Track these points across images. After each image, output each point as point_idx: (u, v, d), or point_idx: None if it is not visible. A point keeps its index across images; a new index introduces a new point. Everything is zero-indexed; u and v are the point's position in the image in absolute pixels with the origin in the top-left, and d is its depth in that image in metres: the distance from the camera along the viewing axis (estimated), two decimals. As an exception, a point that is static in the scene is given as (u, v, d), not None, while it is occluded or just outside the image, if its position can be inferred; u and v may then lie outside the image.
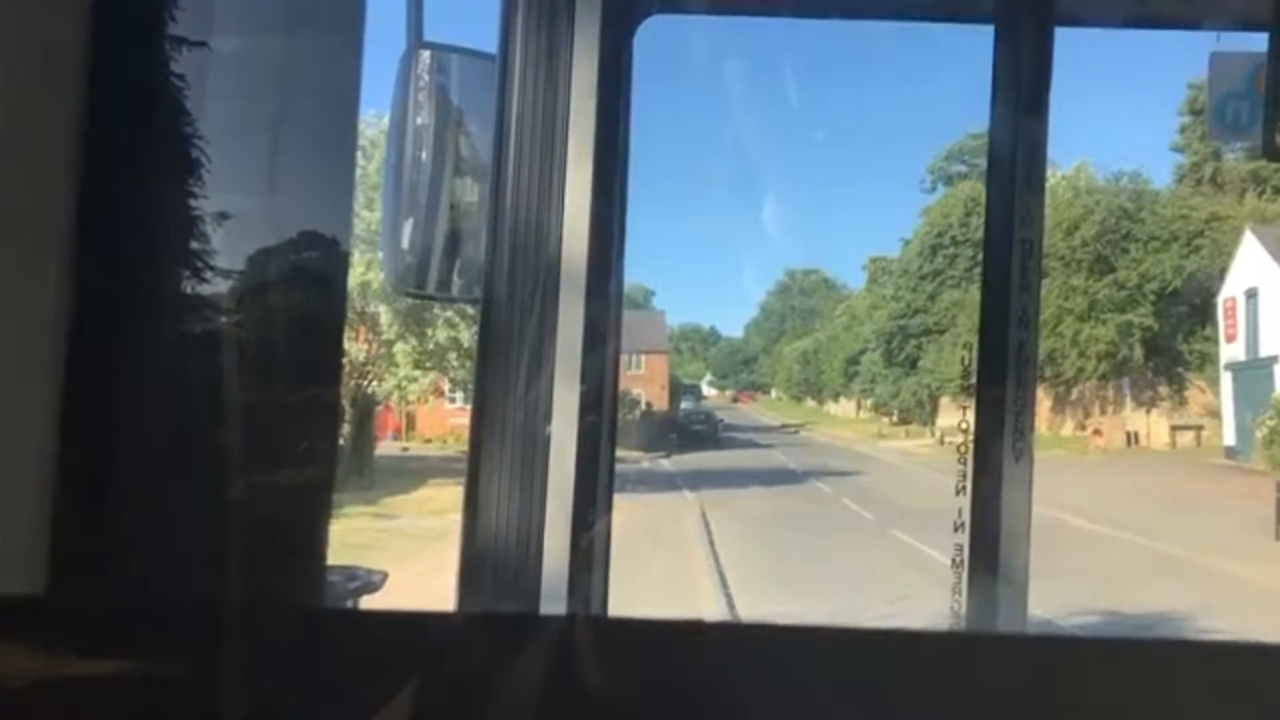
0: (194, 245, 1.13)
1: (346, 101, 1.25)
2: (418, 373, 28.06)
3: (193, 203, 1.12)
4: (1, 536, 0.98)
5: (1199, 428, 35.45)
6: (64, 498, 1.00)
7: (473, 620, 1.28)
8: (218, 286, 1.17)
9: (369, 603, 2.97)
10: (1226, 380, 33.14)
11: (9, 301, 1.00)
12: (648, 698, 0.81)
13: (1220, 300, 34.02)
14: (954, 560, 2.10)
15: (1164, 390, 36.99)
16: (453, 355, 27.33)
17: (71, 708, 0.80)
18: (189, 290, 1.16)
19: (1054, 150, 2.26)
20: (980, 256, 2.20)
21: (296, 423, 1.23)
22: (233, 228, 1.16)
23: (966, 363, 2.13)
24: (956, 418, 2.26)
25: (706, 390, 73.38)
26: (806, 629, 0.83)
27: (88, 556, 1.02)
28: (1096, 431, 36.32)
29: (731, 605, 13.26)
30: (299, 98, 1.24)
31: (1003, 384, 2.04)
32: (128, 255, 1.08)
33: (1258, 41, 2.15)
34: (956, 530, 2.10)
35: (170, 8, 1.12)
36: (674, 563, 15.86)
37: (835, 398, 57.65)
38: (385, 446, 31.03)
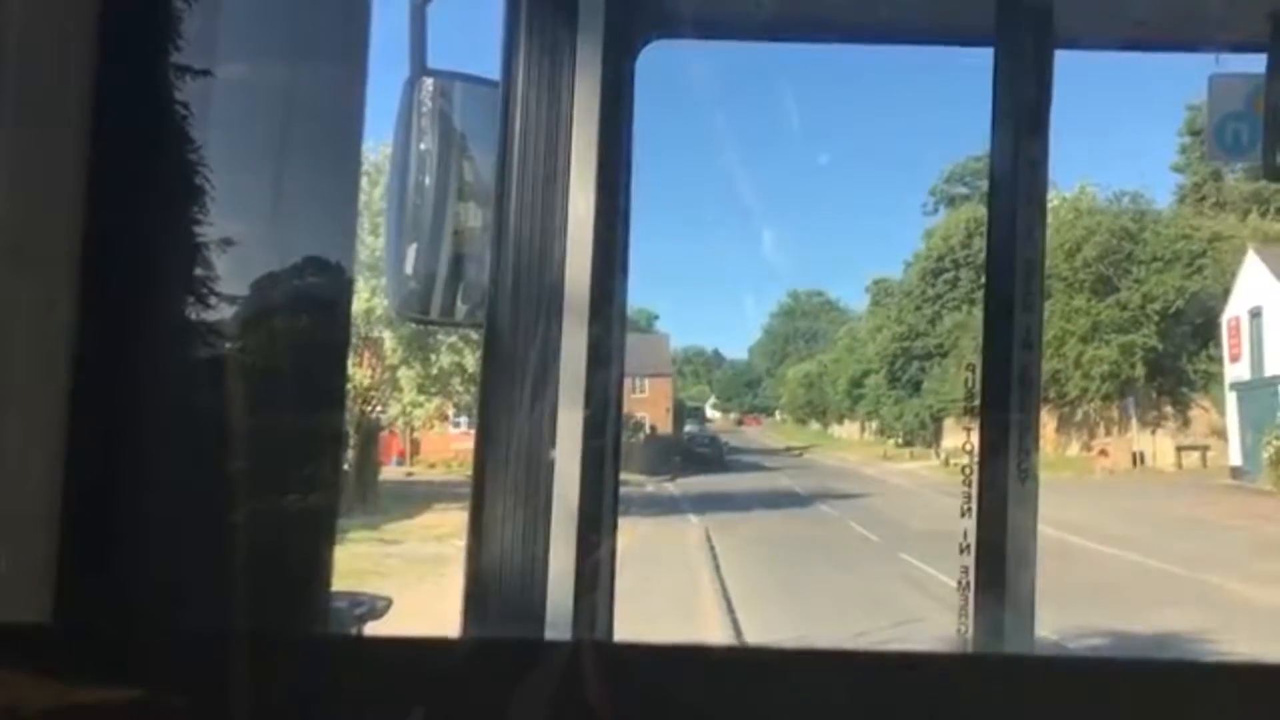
0: (200, 272, 1.13)
1: (351, 128, 1.26)
2: (422, 397, 28.08)
3: (199, 230, 1.13)
4: (8, 565, 0.98)
5: (1205, 448, 35.35)
6: (70, 526, 1.00)
7: (477, 646, 1.28)
8: (223, 313, 1.18)
9: (373, 629, 2.96)
10: (1232, 400, 33.07)
11: (18, 330, 1.01)
12: (654, 722, 0.81)
13: (1224, 320, 34.00)
14: (960, 582, 2.09)
15: (1169, 410, 36.92)
16: (457, 380, 27.34)
17: (77, 735, 0.80)
18: (195, 317, 1.17)
19: (1055, 172, 2.26)
20: (982, 278, 2.20)
21: (301, 448, 1.24)
22: (238, 254, 1.17)
23: (970, 384, 2.12)
24: (961, 439, 2.25)
25: (711, 413, 73.35)
26: (813, 652, 0.83)
27: (94, 584, 1.02)
28: (1102, 452, 36.22)
29: (738, 629, 13.20)
30: (304, 125, 1.25)
31: (1007, 405, 2.04)
32: (135, 284, 1.09)
33: (1256, 63, 2.16)
34: (963, 552, 2.09)
35: (177, 38, 1.13)
36: (679, 587, 15.79)
37: (840, 420, 57.59)
38: (389, 471, 30.98)
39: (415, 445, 36.74)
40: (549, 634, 1.87)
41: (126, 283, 1.08)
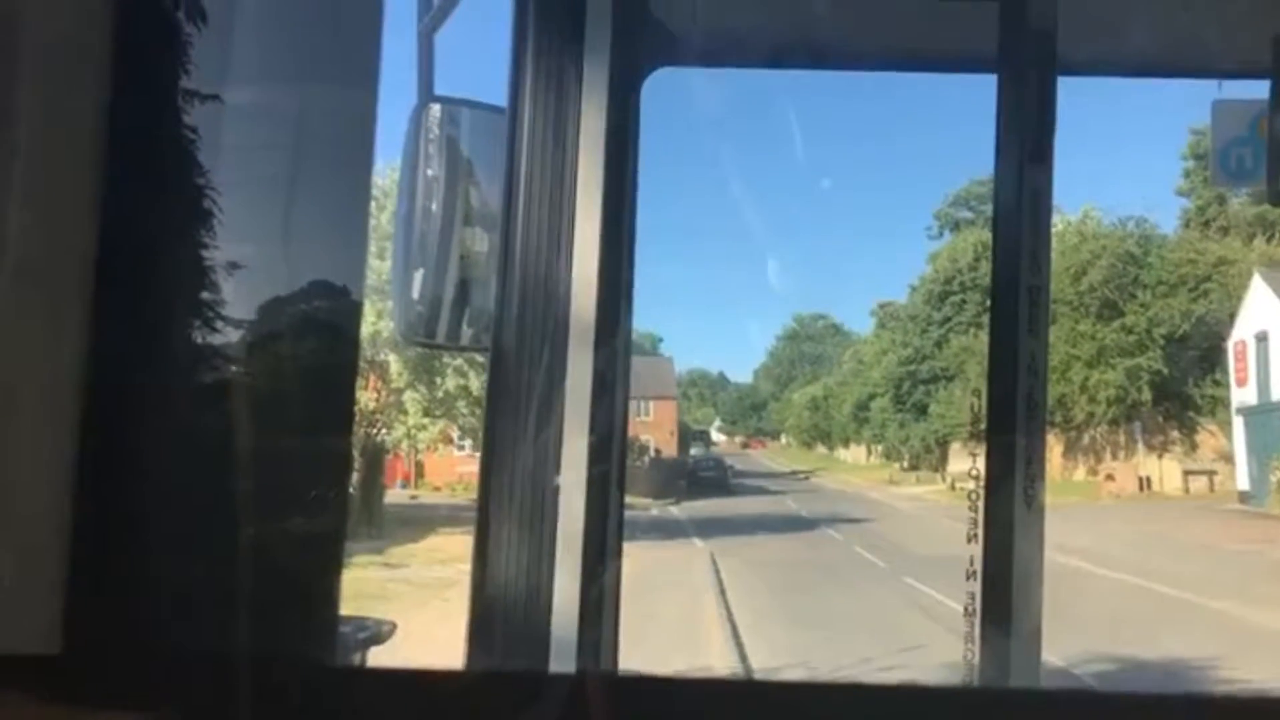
0: (211, 296, 1.14)
1: (361, 153, 1.27)
2: (427, 420, 28.06)
3: (209, 254, 1.13)
4: (17, 593, 0.98)
5: (1212, 473, 35.18)
6: (80, 555, 1.00)
7: (481, 677, 1.27)
8: (233, 336, 1.18)
9: (377, 653, 2.95)
10: (1238, 424, 32.94)
11: (29, 353, 1.01)
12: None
13: (1230, 344, 33.93)
14: (966, 608, 2.08)
15: (1175, 435, 36.80)
16: (462, 403, 27.33)
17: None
18: (205, 340, 1.17)
19: (1059, 196, 2.27)
20: (987, 302, 2.20)
21: (309, 471, 1.24)
22: (249, 278, 1.17)
23: (976, 409, 2.12)
24: (967, 464, 2.25)
25: (716, 436, 73.25)
26: (819, 685, 0.83)
27: (103, 615, 1.02)
28: (1109, 477, 36.05)
29: (743, 656, 13.12)
30: (315, 150, 1.26)
31: (1013, 430, 2.03)
32: (145, 306, 1.09)
33: (1260, 88, 2.17)
34: (969, 578, 2.08)
35: (188, 62, 1.14)
36: (684, 612, 15.72)
37: (845, 443, 57.44)
38: (394, 494, 30.94)
39: (420, 468, 36.70)
40: (553, 663, 1.86)
41: (138, 307, 1.08)
